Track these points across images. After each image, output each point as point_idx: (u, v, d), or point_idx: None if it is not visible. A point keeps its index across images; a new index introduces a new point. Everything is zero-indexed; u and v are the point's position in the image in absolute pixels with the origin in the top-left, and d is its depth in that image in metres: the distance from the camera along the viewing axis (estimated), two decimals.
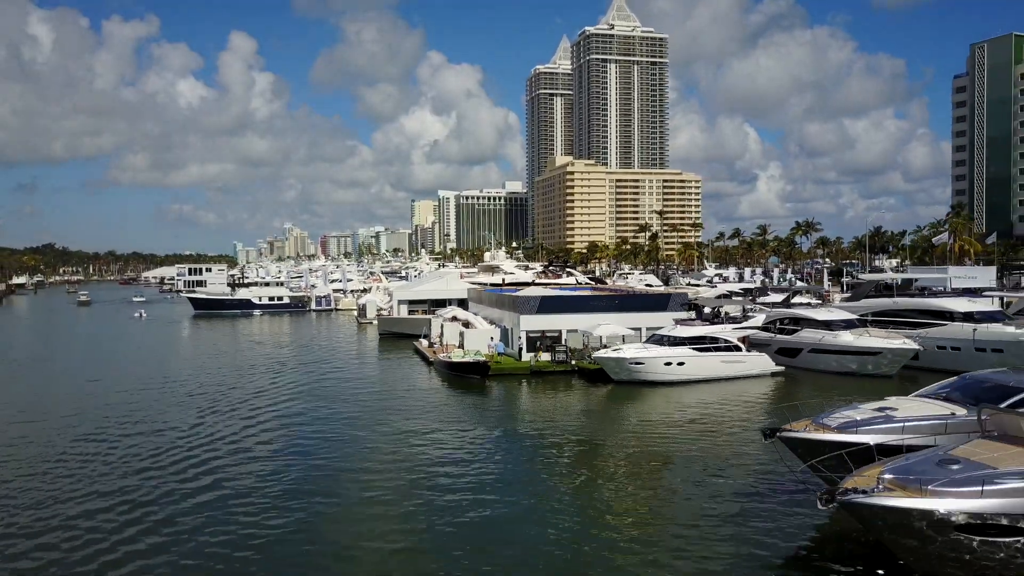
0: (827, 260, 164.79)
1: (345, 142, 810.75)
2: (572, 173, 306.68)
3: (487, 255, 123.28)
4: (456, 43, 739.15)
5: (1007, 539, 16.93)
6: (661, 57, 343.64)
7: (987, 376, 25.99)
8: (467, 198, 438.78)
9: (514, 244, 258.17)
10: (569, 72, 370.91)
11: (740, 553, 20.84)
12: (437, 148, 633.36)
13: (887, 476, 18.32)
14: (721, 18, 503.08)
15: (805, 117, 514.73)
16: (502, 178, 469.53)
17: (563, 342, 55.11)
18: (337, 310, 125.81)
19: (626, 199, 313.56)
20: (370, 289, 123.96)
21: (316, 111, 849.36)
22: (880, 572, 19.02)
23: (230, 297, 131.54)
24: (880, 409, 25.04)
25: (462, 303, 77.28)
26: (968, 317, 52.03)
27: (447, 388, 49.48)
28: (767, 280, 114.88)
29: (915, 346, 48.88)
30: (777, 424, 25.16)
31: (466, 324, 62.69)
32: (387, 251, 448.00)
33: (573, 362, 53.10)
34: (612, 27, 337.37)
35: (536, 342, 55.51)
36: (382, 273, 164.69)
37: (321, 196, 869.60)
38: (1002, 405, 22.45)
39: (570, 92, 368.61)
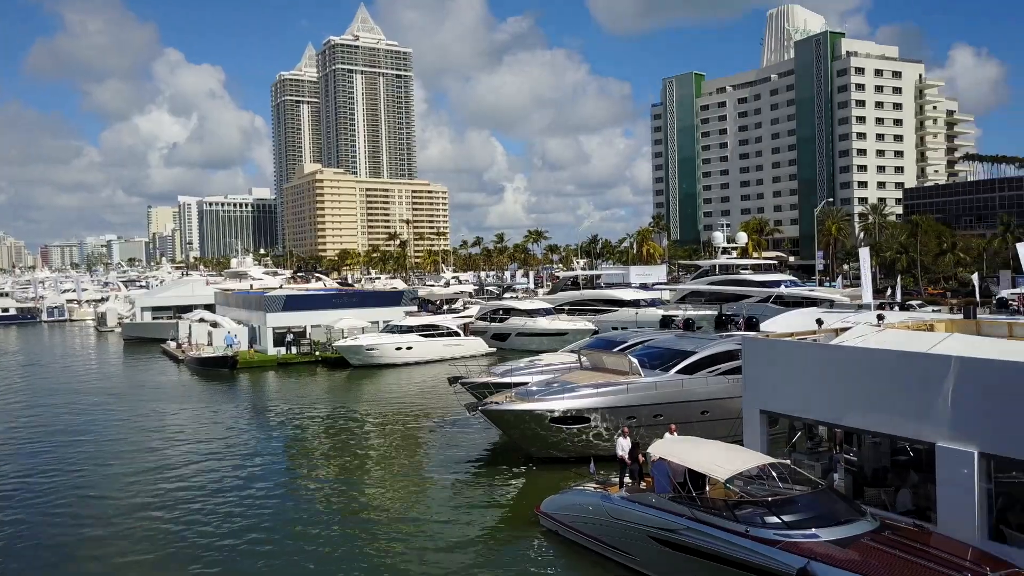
0: (560, 265, 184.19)
1: (68, 141, 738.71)
2: (322, 181, 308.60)
3: (234, 262, 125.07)
4: (195, 42, 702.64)
5: (579, 425, 27.19)
6: (406, 70, 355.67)
7: (603, 336, 37.43)
8: (211, 204, 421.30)
9: (262, 251, 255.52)
10: (315, 80, 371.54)
11: (440, 460, 29.75)
12: (177, 151, 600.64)
13: (513, 393, 28.10)
14: (467, 34, 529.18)
15: (547, 132, 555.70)
16: (249, 184, 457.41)
17: (308, 336, 61.84)
18: (72, 320, 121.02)
19: (377, 208, 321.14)
20: (108, 298, 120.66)
21: (31, 106, 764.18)
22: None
23: None
24: (532, 362, 35.45)
25: (209, 307, 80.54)
26: (634, 304, 66.47)
27: (198, 381, 54.33)
28: (507, 282, 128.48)
29: (592, 326, 61.85)
30: (462, 375, 34.60)
31: (214, 325, 67.07)
32: (121, 261, 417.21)
33: (317, 353, 60.07)
34: (357, 38, 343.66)
35: (283, 337, 61.68)
36: (120, 283, 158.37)
37: (41, 201, 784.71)
38: (612, 350, 33.38)
39: (317, 100, 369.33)
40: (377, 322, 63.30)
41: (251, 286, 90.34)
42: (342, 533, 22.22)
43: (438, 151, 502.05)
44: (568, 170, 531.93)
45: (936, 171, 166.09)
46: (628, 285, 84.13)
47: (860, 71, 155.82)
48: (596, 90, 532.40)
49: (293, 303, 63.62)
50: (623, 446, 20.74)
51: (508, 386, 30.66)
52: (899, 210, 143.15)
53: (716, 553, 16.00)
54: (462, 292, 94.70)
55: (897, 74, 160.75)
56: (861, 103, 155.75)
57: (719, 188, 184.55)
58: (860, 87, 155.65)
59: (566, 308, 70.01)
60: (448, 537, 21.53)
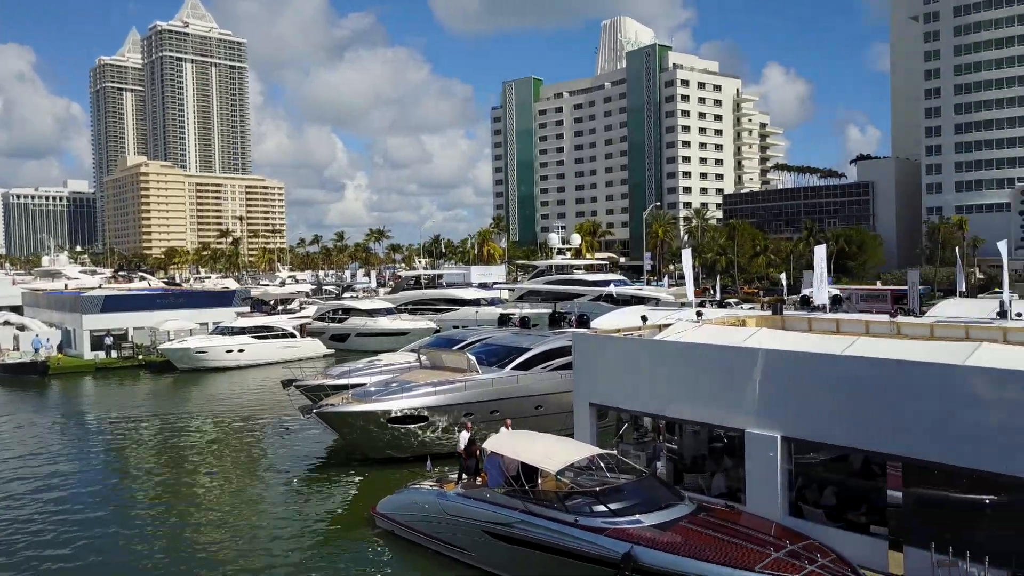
0: (402, 264, 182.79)
1: None
2: (147, 175, 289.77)
3: (46, 260, 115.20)
4: None
5: (417, 424, 27.22)
6: (241, 61, 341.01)
7: (443, 335, 37.61)
8: (19, 197, 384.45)
9: (79, 249, 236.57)
10: (140, 67, 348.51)
11: (273, 466, 28.74)
12: None
13: (350, 394, 27.69)
14: (306, 28, 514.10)
15: (389, 130, 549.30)
16: (65, 175, 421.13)
17: (130, 339, 57.94)
18: None
19: (208, 204, 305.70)
20: None
21: None
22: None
23: None
24: (371, 362, 35.04)
25: (16, 309, 73.76)
26: (474, 303, 67.28)
27: (3, 391, 49.59)
28: (347, 281, 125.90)
29: (434, 325, 61.99)
30: (296, 378, 33.65)
31: (21, 327, 61.48)
32: None
33: (140, 357, 56.42)
34: (187, 25, 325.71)
35: (101, 341, 57.43)
36: None
37: None
38: (452, 349, 33.53)
39: (142, 88, 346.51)
40: (206, 324, 60.32)
41: (66, 286, 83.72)
42: (170, 546, 21.07)
43: (275, 146, 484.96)
44: (411, 169, 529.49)
45: (751, 179, 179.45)
46: (469, 284, 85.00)
47: (685, 83, 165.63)
48: (438, 90, 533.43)
49: (113, 304, 59.43)
50: (463, 440, 20.99)
51: (345, 387, 30.18)
52: (719, 214, 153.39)
53: (548, 544, 16.54)
54: (299, 292, 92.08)
55: (718, 87, 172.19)
56: (686, 113, 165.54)
57: (556, 191, 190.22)
58: (685, 98, 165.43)
59: (408, 308, 69.75)
60: (282, 544, 20.93)
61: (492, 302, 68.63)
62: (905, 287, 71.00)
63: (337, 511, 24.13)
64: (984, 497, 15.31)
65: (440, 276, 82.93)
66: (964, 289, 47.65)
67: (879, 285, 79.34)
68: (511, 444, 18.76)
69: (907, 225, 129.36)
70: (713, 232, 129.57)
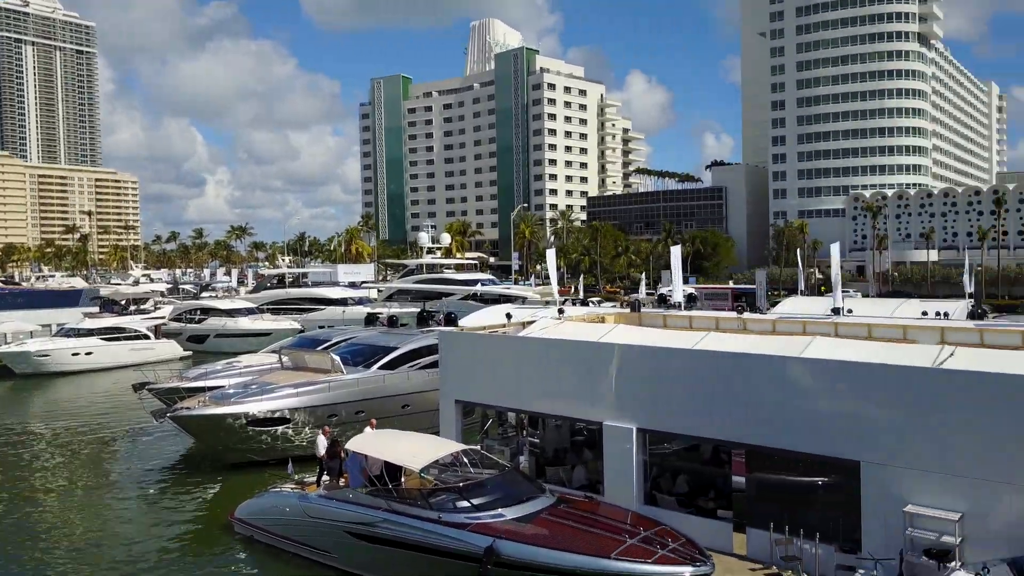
0: (266, 263, 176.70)
1: None
2: None
3: None
4: None
5: (279, 426, 26.52)
6: (89, 46, 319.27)
7: (307, 335, 36.78)
8: None
9: None
10: None
11: (125, 474, 27.15)
12: None
13: (207, 397, 26.63)
14: (163, 14, 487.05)
15: (252, 125, 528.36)
16: None
17: None
18: None
19: (52, 198, 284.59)
20: None
21: None
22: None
23: None
24: (229, 364, 33.79)
25: None
26: (341, 302, 66.11)
27: None
28: (206, 280, 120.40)
29: (297, 326, 60.43)
30: (149, 380, 32.00)
31: None
32: None
33: None
34: (27, 3, 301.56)
35: None
36: None
37: None
38: (315, 349, 32.79)
39: None
40: (50, 325, 56.27)
41: None
42: (16, 570, 19.52)
43: (129, 137, 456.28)
44: (276, 165, 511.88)
45: (614, 182, 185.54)
46: (336, 284, 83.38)
47: (552, 87, 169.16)
48: (305, 86, 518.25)
49: None
50: (321, 444, 20.68)
51: (202, 390, 28.99)
52: (584, 216, 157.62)
53: (411, 542, 16.57)
54: (154, 291, 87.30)
55: (583, 92, 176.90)
56: (553, 116, 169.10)
57: (426, 190, 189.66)
58: (552, 102, 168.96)
59: (271, 307, 67.63)
60: (136, 555, 19.89)
61: (360, 301, 67.61)
62: (744, 286, 76.38)
63: (194, 519, 23.14)
64: (817, 479, 16.62)
65: (305, 275, 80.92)
66: (804, 288, 51.18)
67: (731, 284, 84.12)
68: (374, 443, 18.65)
69: (756, 228, 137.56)
70: (578, 233, 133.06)
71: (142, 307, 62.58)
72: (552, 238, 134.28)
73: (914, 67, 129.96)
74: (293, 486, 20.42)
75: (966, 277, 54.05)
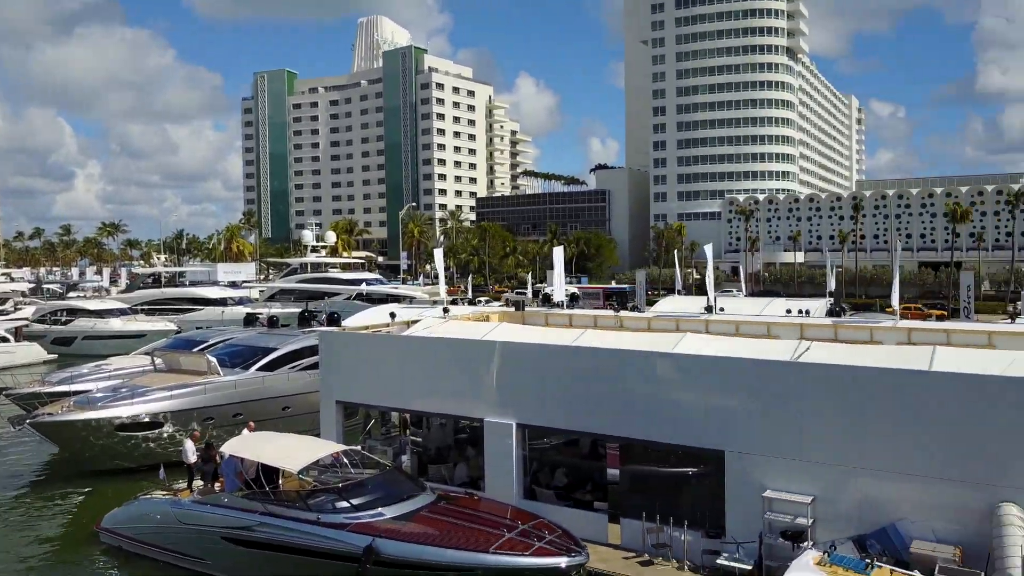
0: (140, 261, 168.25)
1: None
2: None
3: None
4: None
5: (151, 431, 25.47)
6: None
7: (182, 336, 35.43)
8: None
9: None
10: None
11: None
12: None
13: (72, 402, 25.26)
14: None
15: (127, 117, 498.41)
16: None
17: None
18: None
19: None
20: None
21: None
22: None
23: None
24: (98, 367, 32.14)
25: None
26: (221, 302, 63.83)
27: None
28: (74, 279, 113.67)
29: (173, 327, 57.96)
30: (6, 386, 30.04)
31: None
32: None
33: None
34: None
35: None
36: None
37: None
38: (191, 350, 31.60)
39: None
40: None
41: None
42: None
43: None
44: (153, 159, 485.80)
45: (503, 183, 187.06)
46: (216, 283, 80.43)
47: (440, 87, 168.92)
48: (185, 78, 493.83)
49: None
50: (190, 449, 20.13)
51: (67, 395, 27.49)
52: (473, 216, 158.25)
53: (289, 544, 16.33)
54: (14, 291, 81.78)
55: (471, 93, 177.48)
56: (441, 116, 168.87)
57: (311, 187, 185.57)
58: (440, 101, 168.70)
59: (145, 308, 64.58)
60: None
61: (240, 301, 65.43)
62: (615, 286, 79.98)
63: (57, 531, 21.89)
64: (686, 470, 17.45)
65: (182, 274, 77.65)
66: (681, 288, 53.35)
67: (614, 284, 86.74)
68: (251, 446, 18.25)
69: (638, 230, 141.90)
70: (467, 233, 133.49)
71: (1, 308, 58.42)
72: (442, 238, 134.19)
73: (783, 79, 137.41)
74: (164, 493, 19.70)
75: (828, 277, 57.82)
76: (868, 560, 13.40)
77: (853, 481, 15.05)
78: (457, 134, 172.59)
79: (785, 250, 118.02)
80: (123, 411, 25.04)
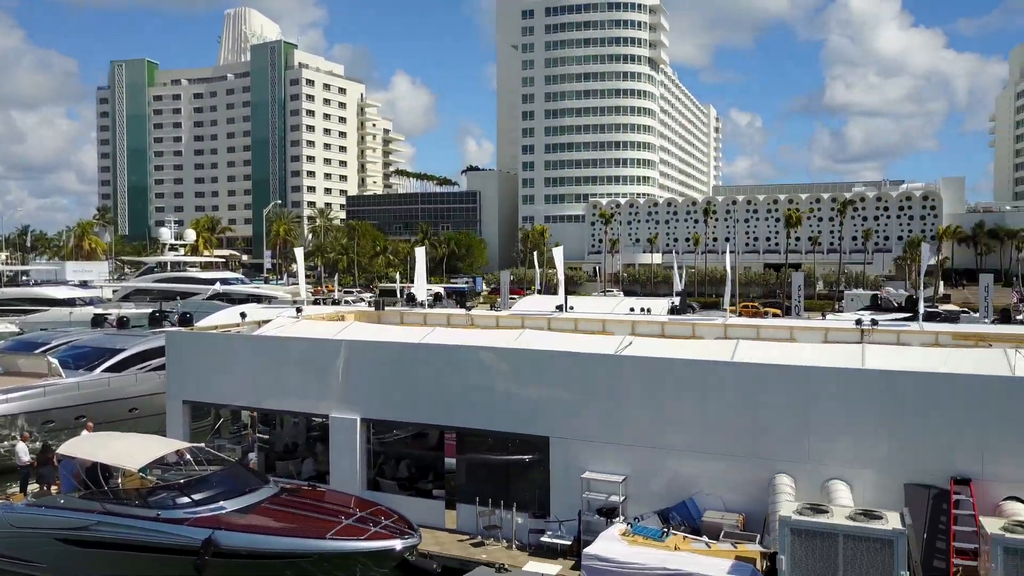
0: None
1: None
2: None
3: None
4: None
5: None
6: None
7: (22, 338, 34.08)
8: None
9: None
10: None
11: None
12: None
13: None
14: None
15: None
16: None
17: None
18: None
19: None
20: None
21: None
22: None
23: None
24: None
25: None
26: (68, 303, 60.93)
27: None
28: None
29: (14, 328, 54.91)
30: None
31: None
32: None
33: None
34: None
35: None
36: None
37: None
38: (31, 352, 30.44)
39: None
40: None
41: None
42: None
43: None
44: None
45: (375, 182, 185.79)
46: (65, 282, 76.37)
47: (311, 83, 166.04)
48: (34, 62, 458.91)
49: None
50: (22, 450, 19.85)
51: None
52: (343, 215, 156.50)
53: (127, 541, 16.49)
54: None
55: (343, 90, 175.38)
56: (311, 113, 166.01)
57: (172, 183, 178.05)
58: (310, 98, 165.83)
59: None
60: None
61: (91, 302, 62.53)
62: (456, 285, 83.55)
63: None
64: (518, 456, 18.83)
65: (26, 272, 73.30)
66: (540, 287, 55.59)
67: (451, 284, 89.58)
68: (88, 446, 18.23)
69: (507, 231, 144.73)
70: (336, 232, 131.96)
71: None
72: (311, 236, 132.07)
73: (644, 88, 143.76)
74: None
75: (676, 278, 61.54)
76: (665, 529, 15.16)
77: (660, 461, 16.84)
78: (328, 131, 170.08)
79: (644, 251, 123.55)
80: None
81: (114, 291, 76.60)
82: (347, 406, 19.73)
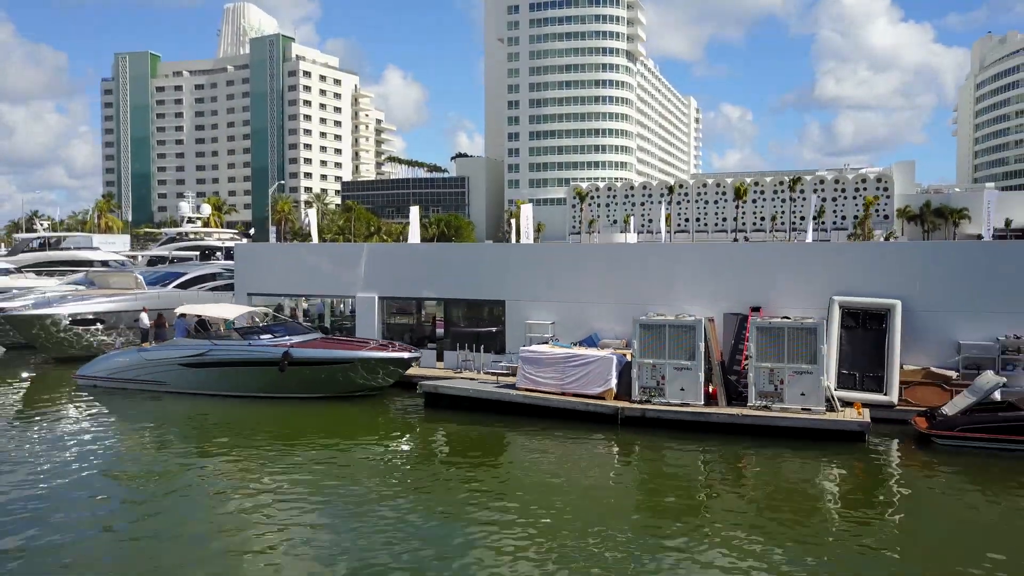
0: None
1: None
2: None
3: None
4: None
5: (94, 326, 33.41)
6: None
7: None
8: None
9: None
10: None
11: None
12: None
13: (32, 302, 32.82)
14: None
15: None
16: None
17: None
18: None
19: None
20: None
21: None
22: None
23: None
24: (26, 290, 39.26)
25: None
26: (104, 264, 69.37)
27: None
28: None
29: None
30: None
31: None
32: None
33: None
34: None
35: None
36: None
37: None
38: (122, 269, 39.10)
39: None
40: None
41: None
42: None
43: None
44: None
45: (368, 169, 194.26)
46: (96, 249, 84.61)
47: (308, 75, 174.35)
48: (23, 56, 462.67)
49: None
50: (144, 317, 28.76)
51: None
52: (338, 200, 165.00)
53: (231, 359, 25.31)
54: None
55: (338, 82, 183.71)
56: (308, 103, 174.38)
57: (174, 170, 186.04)
58: (307, 89, 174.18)
59: (31, 270, 69.10)
60: None
61: (123, 265, 70.95)
62: None
63: (39, 385, 29.57)
64: (487, 329, 27.74)
65: (63, 239, 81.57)
66: None
67: None
68: (198, 308, 27.13)
69: (493, 213, 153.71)
70: (333, 215, 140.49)
71: None
72: (307, 218, 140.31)
73: (622, 79, 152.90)
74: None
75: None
76: (574, 343, 24.14)
77: (576, 310, 25.80)
78: (324, 120, 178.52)
79: (621, 231, 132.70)
80: (73, 308, 32.88)
81: (140, 257, 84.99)
82: (368, 289, 28.64)
